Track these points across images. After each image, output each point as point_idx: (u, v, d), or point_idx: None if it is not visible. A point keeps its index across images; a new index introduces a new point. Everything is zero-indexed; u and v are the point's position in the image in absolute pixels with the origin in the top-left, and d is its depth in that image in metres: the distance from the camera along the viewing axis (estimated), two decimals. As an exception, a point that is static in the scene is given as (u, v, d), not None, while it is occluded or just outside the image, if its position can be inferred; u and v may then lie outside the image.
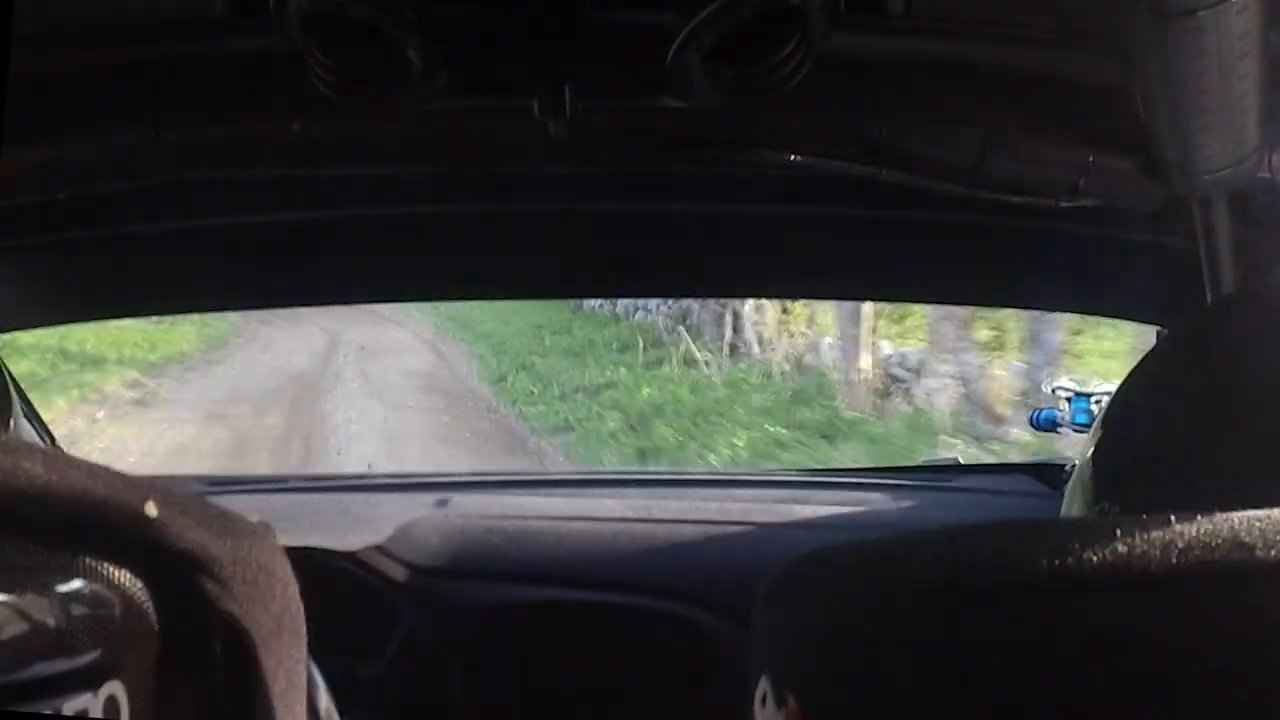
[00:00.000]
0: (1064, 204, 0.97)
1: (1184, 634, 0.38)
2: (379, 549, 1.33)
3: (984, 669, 0.39)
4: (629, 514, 1.42)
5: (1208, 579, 0.39)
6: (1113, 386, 1.46)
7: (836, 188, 1.11)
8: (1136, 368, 0.61)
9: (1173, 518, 0.41)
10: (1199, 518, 0.41)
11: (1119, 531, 0.40)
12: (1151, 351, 0.61)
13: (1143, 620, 0.38)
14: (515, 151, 1.00)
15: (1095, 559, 0.39)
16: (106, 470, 0.45)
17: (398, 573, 1.32)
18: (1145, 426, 0.58)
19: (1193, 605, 0.39)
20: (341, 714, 0.62)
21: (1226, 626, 0.38)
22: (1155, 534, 0.40)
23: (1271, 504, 0.44)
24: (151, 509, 0.44)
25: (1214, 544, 0.39)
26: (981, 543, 0.42)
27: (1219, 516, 0.40)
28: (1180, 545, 0.39)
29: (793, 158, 0.95)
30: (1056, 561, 0.40)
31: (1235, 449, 0.51)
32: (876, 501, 1.52)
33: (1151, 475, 0.55)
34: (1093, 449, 0.60)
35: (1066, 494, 0.64)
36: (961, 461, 1.93)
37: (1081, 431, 1.46)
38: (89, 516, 0.42)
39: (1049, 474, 1.57)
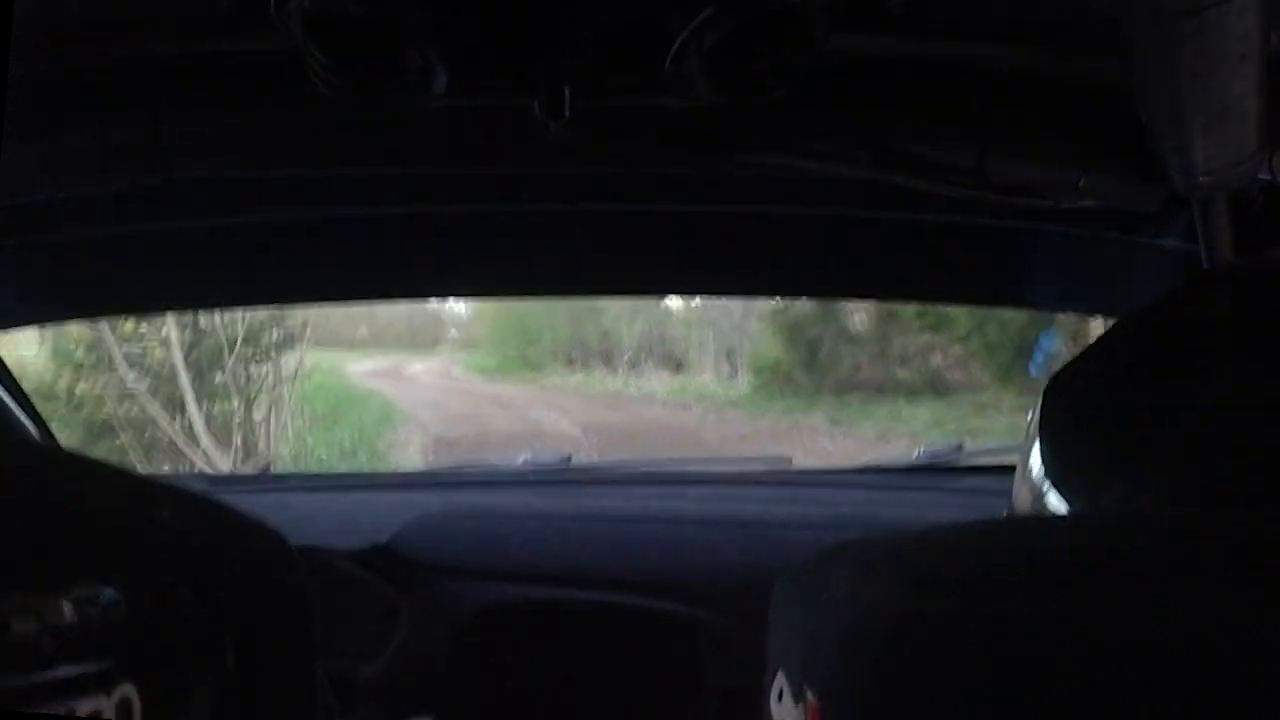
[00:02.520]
0: (1064, 204, 0.97)
1: (1199, 625, 0.38)
2: (379, 549, 1.33)
3: (1003, 661, 0.39)
4: (629, 514, 1.42)
5: (1218, 570, 0.39)
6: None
7: (836, 188, 1.11)
8: (1088, 348, 0.60)
9: (1183, 511, 0.41)
10: (1209, 511, 0.41)
11: (1136, 525, 0.40)
12: (1104, 334, 0.61)
13: (1163, 611, 0.38)
14: (515, 151, 1.00)
15: (1115, 551, 0.40)
16: (119, 471, 0.45)
17: (398, 572, 1.32)
18: (1092, 405, 0.57)
19: (1207, 596, 0.39)
20: (341, 714, 0.62)
21: (1240, 617, 0.38)
22: (1171, 527, 0.40)
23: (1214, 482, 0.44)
24: (163, 509, 0.44)
25: (1222, 536, 0.39)
26: (1000, 537, 0.43)
27: (1229, 511, 0.41)
28: (1191, 537, 0.40)
29: (793, 158, 0.95)
30: (1078, 555, 0.40)
31: (1183, 428, 0.51)
32: (876, 501, 1.52)
33: (1098, 458, 0.55)
34: (1038, 427, 0.59)
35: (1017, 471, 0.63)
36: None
37: None
38: (103, 518, 0.42)
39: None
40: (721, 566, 1.31)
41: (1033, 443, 0.59)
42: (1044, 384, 0.61)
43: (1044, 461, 0.58)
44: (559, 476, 1.68)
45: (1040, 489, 0.58)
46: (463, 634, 1.32)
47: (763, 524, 1.39)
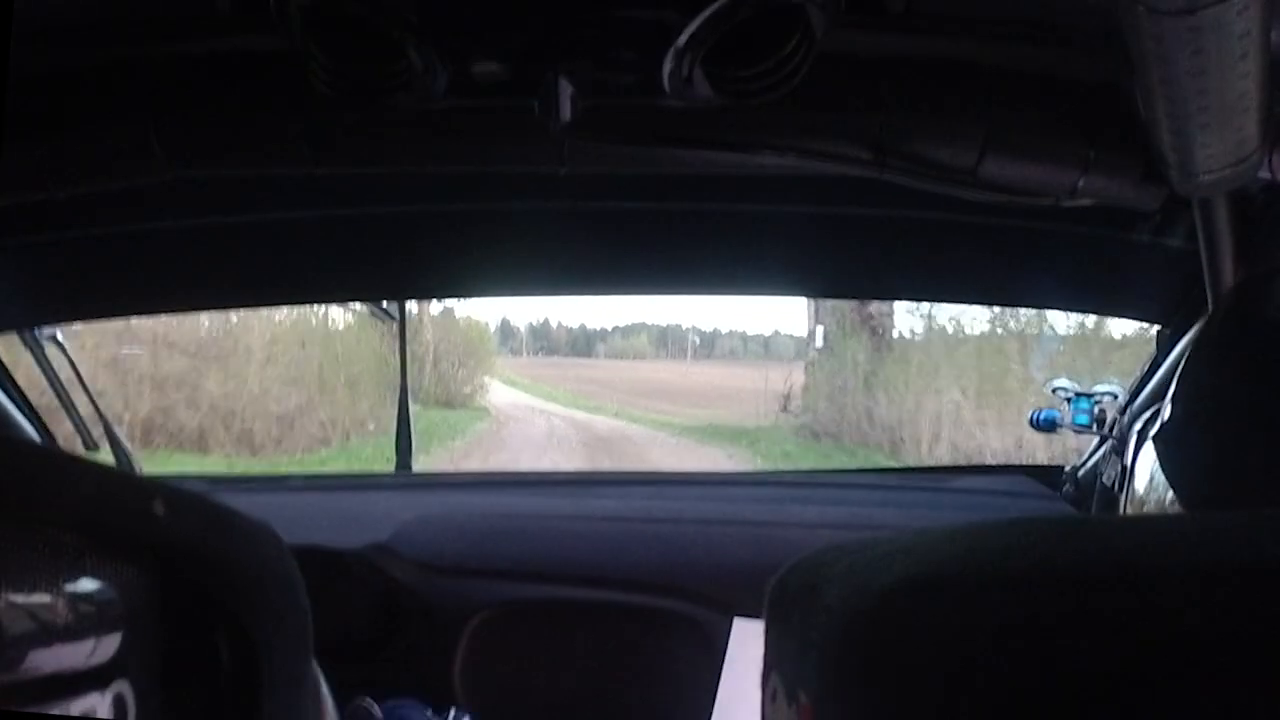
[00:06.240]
0: (1064, 203, 0.96)
1: (1198, 628, 0.38)
2: (379, 548, 1.33)
3: (997, 663, 0.39)
4: (629, 514, 1.42)
5: (1219, 576, 0.39)
6: (1112, 387, 1.46)
7: (837, 187, 1.11)
8: (1193, 347, 0.61)
9: (1186, 516, 0.41)
10: (1211, 516, 0.40)
11: (1132, 526, 0.40)
12: (1206, 329, 0.61)
13: (1155, 616, 0.38)
14: (515, 151, 1.00)
15: (1119, 554, 0.39)
16: (113, 470, 0.45)
17: (398, 571, 1.32)
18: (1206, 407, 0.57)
19: (1200, 600, 0.38)
20: (341, 714, 0.62)
21: (1246, 623, 0.38)
22: (1170, 530, 0.40)
23: None
24: (158, 508, 0.44)
25: (1229, 540, 0.39)
26: (994, 537, 0.42)
27: (1240, 514, 0.40)
28: (1196, 541, 0.40)
29: (793, 157, 0.95)
30: (1076, 557, 0.40)
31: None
32: (876, 501, 1.52)
33: (1216, 459, 0.54)
34: (1157, 429, 0.60)
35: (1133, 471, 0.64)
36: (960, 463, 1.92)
37: (1081, 432, 1.45)
38: (96, 516, 0.42)
39: (1048, 474, 1.57)
40: (721, 566, 1.31)
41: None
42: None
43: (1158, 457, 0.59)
44: (558, 478, 1.68)
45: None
46: (463, 633, 1.32)
47: (763, 524, 1.39)
